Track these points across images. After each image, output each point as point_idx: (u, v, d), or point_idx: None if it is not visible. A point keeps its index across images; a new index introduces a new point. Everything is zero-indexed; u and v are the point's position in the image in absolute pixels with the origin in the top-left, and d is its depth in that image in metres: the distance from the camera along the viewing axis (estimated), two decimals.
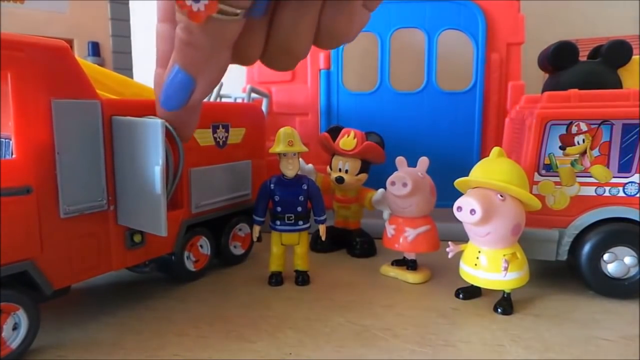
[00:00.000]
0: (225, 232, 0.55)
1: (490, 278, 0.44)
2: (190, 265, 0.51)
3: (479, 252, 0.44)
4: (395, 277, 0.53)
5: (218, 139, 0.52)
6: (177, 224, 0.48)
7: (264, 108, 0.63)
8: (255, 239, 0.52)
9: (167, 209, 0.48)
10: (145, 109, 0.43)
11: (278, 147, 0.49)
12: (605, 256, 0.46)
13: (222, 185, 0.52)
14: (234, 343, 0.39)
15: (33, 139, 0.35)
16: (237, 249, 0.57)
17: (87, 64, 0.47)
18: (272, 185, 0.50)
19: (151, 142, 0.38)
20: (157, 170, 0.37)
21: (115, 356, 0.37)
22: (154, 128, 0.37)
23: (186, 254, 0.50)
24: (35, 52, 0.35)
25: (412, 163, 0.53)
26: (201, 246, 0.52)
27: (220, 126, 0.52)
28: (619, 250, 0.46)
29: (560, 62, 0.53)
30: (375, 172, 0.60)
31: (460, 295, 0.47)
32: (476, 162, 0.47)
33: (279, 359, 0.36)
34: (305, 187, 0.50)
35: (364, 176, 0.60)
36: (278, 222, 0.50)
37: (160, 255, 0.47)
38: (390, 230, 0.53)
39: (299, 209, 0.50)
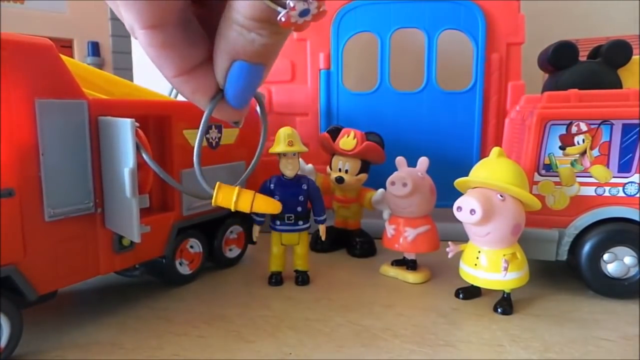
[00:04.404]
0: (219, 235, 0.54)
1: (490, 278, 0.44)
2: (182, 269, 0.50)
3: (479, 252, 0.44)
4: (395, 277, 0.53)
5: (211, 140, 0.51)
6: (167, 226, 0.47)
7: (258, 108, 0.63)
8: (255, 239, 0.52)
9: (157, 211, 0.47)
10: (134, 108, 0.42)
11: (278, 147, 0.49)
12: (605, 256, 0.46)
13: None
14: (233, 343, 0.39)
15: (16, 140, 0.34)
16: (231, 252, 0.57)
17: (75, 63, 0.46)
18: (272, 185, 0.50)
19: (122, 142, 0.37)
20: (126, 172, 0.37)
21: (114, 356, 0.37)
22: (124, 128, 0.36)
23: (178, 260, 0.50)
24: (18, 50, 0.34)
25: (412, 163, 0.53)
26: (191, 247, 0.51)
27: (213, 126, 0.51)
28: (619, 250, 0.46)
29: (560, 62, 0.53)
30: (375, 172, 0.60)
31: (460, 295, 0.47)
32: (476, 162, 0.47)
33: (278, 359, 0.36)
34: (305, 187, 0.50)
35: (363, 176, 0.60)
36: (278, 222, 0.50)
37: (150, 259, 0.46)
38: (390, 230, 0.53)
39: (299, 209, 0.50)
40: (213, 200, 0.31)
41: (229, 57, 0.20)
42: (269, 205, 0.34)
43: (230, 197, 0.32)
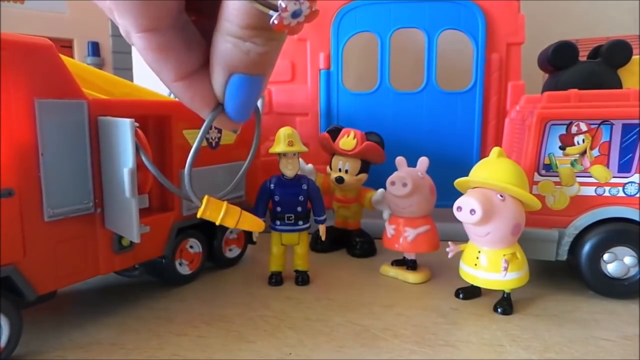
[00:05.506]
0: (219, 235, 0.54)
1: (490, 278, 0.44)
2: (182, 269, 0.50)
3: (479, 252, 0.44)
4: (395, 277, 0.53)
5: (210, 140, 0.51)
6: (167, 226, 0.47)
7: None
8: (255, 239, 0.52)
9: (157, 211, 0.47)
10: (134, 108, 0.42)
11: (278, 147, 0.49)
12: (605, 256, 0.46)
13: (215, 187, 0.51)
14: (233, 343, 0.39)
15: (16, 140, 0.34)
16: (231, 252, 0.56)
17: (75, 63, 0.46)
18: (272, 185, 0.50)
19: (121, 142, 0.37)
20: (125, 173, 0.37)
21: (114, 356, 0.37)
22: (124, 128, 0.36)
23: (178, 260, 0.50)
24: (18, 50, 0.34)
25: (412, 163, 0.53)
26: (191, 247, 0.51)
27: (213, 126, 0.51)
28: (619, 250, 0.46)
29: (560, 62, 0.53)
30: (375, 172, 0.60)
31: (460, 295, 0.47)
32: (476, 162, 0.47)
33: (278, 359, 0.36)
34: (305, 187, 0.50)
35: (363, 176, 0.60)
36: (278, 222, 0.50)
37: (150, 259, 0.46)
38: (390, 230, 0.53)
39: (299, 209, 0.50)
40: (200, 213, 0.31)
41: (225, 70, 0.19)
42: (253, 224, 0.34)
43: (217, 212, 0.32)
